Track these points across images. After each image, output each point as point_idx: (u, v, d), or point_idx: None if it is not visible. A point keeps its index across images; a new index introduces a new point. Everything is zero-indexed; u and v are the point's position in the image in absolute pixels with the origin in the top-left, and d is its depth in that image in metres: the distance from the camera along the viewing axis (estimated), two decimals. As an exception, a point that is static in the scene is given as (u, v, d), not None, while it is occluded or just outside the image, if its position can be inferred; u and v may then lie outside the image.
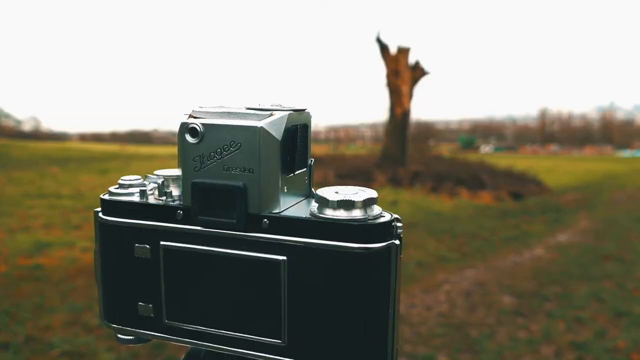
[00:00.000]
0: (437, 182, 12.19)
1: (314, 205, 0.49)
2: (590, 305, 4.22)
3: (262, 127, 0.47)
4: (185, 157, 0.51)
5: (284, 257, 0.49)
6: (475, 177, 12.72)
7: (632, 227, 8.79)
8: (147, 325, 0.55)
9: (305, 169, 0.55)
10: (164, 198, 0.55)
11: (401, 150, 13.78)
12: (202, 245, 0.51)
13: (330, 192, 0.49)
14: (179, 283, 0.53)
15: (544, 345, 3.44)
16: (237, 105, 0.53)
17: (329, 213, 0.48)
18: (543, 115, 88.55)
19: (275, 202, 0.50)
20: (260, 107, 0.51)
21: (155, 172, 0.59)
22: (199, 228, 0.51)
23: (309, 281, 0.48)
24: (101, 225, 0.57)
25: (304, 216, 0.49)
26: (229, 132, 0.48)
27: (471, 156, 21.62)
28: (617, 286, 4.77)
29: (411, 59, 14.01)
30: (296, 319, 0.50)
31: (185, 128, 0.50)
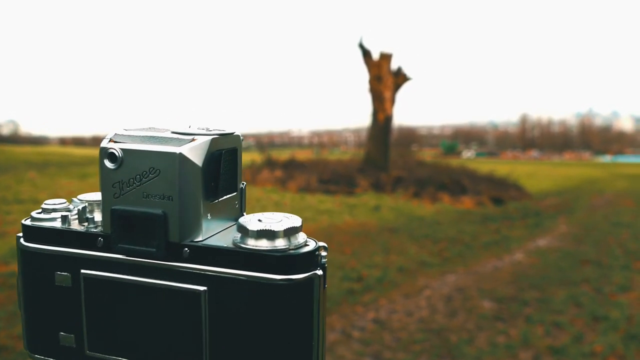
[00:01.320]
0: (419, 187, 12.26)
1: (237, 234, 0.48)
2: (568, 309, 4.26)
3: (180, 153, 0.46)
4: (104, 183, 0.49)
5: (205, 288, 0.47)
6: (456, 182, 12.83)
7: (610, 231, 8.94)
8: (69, 356, 0.53)
9: (235, 193, 0.54)
10: (85, 224, 0.53)
11: (384, 155, 13.85)
12: (123, 274, 0.50)
13: (253, 221, 0.48)
14: (100, 313, 0.51)
15: (523, 350, 3.46)
16: (167, 127, 0.52)
17: (251, 243, 0.47)
18: (523, 121, 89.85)
19: (197, 230, 0.48)
20: (186, 131, 0.50)
21: (79, 197, 0.57)
22: (119, 256, 0.50)
23: (230, 312, 0.47)
24: (22, 251, 0.55)
25: (225, 245, 0.48)
26: (148, 158, 0.47)
27: (453, 161, 21.82)
28: (594, 290, 4.83)
29: (394, 65, 14.14)
30: (217, 351, 0.48)
31: (104, 153, 0.49)
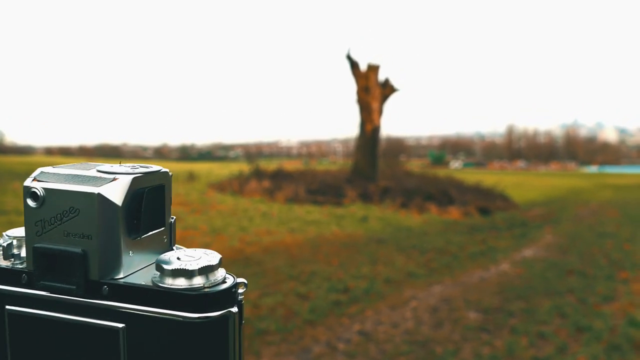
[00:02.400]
0: (407, 198, 12.31)
1: (157, 273, 0.50)
2: (552, 320, 4.29)
3: (99, 193, 0.47)
4: (28, 220, 0.50)
5: (123, 325, 0.48)
6: (444, 193, 12.90)
7: (595, 241, 9.03)
8: None
9: (162, 229, 0.55)
10: (11, 260, 0.54)
11: (371, 166, 13.90)
12: (45, 310, 0.50)
13: (172, 259, 0.49)
14: (25, 349, 0.52)
15: (508, 361, 3.47)
16: (95, 165, 0.53)
17: (168, 281, 0.48)
18: (510, 132, 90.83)
19: (118, 267, 0.50)
20: (111, 170, 0.51)
21: (7, 233, 0.58)
22: (42, 293, 0.51)
23: (148, 349, 0.48)
24: None
25: (144, 283, 0.49)
26: (68, 198, 0.48)
27: (441, 172, 21.97)
28: (579, 301, 4.87)
29: (381, 76, 14.26)
30: None
31: (27, 192, 0.50)
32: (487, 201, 13.90)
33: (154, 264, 0.53)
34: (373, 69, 13.90)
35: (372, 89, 13.81)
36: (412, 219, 10.69)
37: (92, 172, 0.50)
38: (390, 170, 16.41)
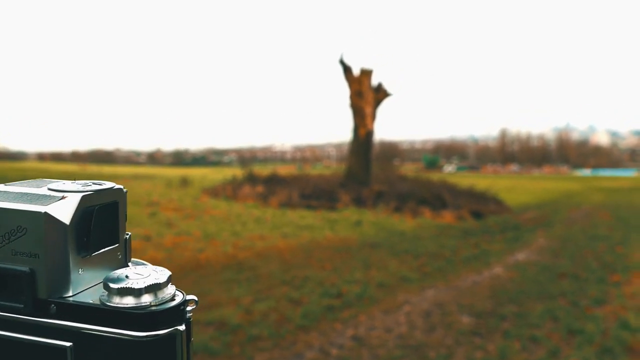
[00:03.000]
0: (401, 202, 12.34)
1: (105, 291, 0.50)
2: (545, 323, 4.30)
3: (46, 212, 0.47)
4: None
5: (70, 344, 0.48)
6: (437, 197, 12.94)
7: (587, 244, 9.08)
8: None
9: (116, 245, 0.56)
10: None
11: (365, 170, 13.93)
12: None
13: (119, 276, 0.50)
14: None
15: (500, 365, 3.48)
16: (47, 182, 0.53)
17: (115, 300, 0.49)
18: (503, 135, 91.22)
19: (66, 286, 0.50)
20: (62, 187, 0.51)
21: None
22: None
23: None
24: None
25: (92, 302, 0.49)
26: (15, 216, 0.48)
27: (434, 175, 22.04)
28: (571, 304, 4.89)
29: (374, 81, 14.30)
30: None
31: None
32: (481, 205, 13.95)
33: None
34: (366, 73, 13.95)
35: (365, 94, 13.86)
36: (405, 223, 10.71)
37: (43, 190, 0.50)
38: (383, 175, 16.44)
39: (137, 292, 0.47)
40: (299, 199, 11.80)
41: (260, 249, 6.93)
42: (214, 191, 13.35)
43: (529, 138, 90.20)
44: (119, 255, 0.56)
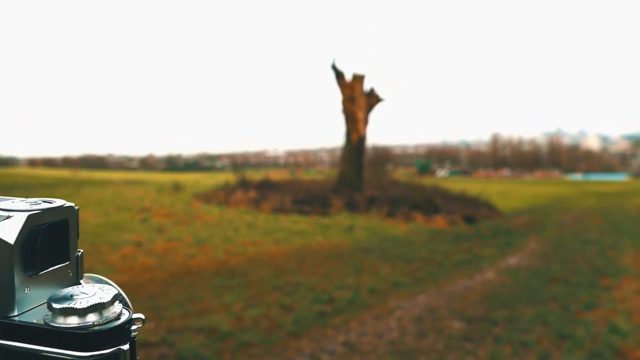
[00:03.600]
0: (393, 207, 12.35)
1: (49, 311, 0.50)
2: (535, 328, 4.31)
3: None
4: None
5: None
6: (430, 202, 12.97)
7: (578, 249, 9.13)
8: None
9: (67, 263, 0.56)
10: None
11: (357, 175, 13.94)
12: None
13: (65, 295, 0.50)
14: None
15: (491, 371, 3.48)
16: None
17: (59, 320, 0.49)
18: (495, 140, 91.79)
19: (11, 306, 0.49)
20: (8, 207, 0.51)
21: None
22: None
23: None
24: None
25: (36, 322, 0.49)
26: None
27: (427, 180, 22.11)
28: (561, 308, 4.90)
29: (366, 86, 14.35)
30: None
31: None
32: (473, 210, 14.00)
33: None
34: (358, 79, 13.99)
35: (357, 99, 13.89)
36: (398, 228, 10.72)
37: None
38: (376, 180, 16.46)
39: (81, 312, 0.47)
40: (291, 204, 11.78)
41: (252, 254, 6.91)
42: (206, 196, 13.31)
43: (520, 143, 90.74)
44: (69, 273, 0.56)
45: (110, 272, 5.44)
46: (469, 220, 12.67)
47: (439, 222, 11.85)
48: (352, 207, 12.39)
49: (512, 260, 7.94)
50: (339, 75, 14.09)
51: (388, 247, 8.38)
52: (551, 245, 9.69)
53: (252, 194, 12.48)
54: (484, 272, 6.92)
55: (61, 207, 0.55)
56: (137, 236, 7.46)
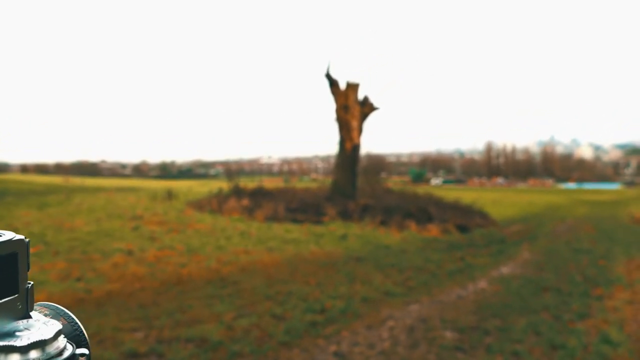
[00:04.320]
0: (387, 216, 12.35)
1: None
2: (527, 338, 4.30)
3: None
4: None
5: None
6: (423, 210, 12.98)
7: (571, 257, 9.14)
8: None
9: (16, 296, 0.56)
10: None
11: (351, 184, 13.94)
12: None
13: (8, 331, 0.50)
14: None
15: (483, 381, 3.46)
16: None
17: (1, 358, 0.49)
18: (489, 149, 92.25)
19: None
20: None
21: None
22: None
23: None
24: None
25: None
26: None
27: (421, 189, 22.15)
28: (554, 318, 4.89)
29: (360, 95, 14.38)
30: None
31: None
32: (466, 218, 14.01)
33: (6, 328, 0.53)
34: (352, 87, 14.01)
35: (351, 108, 13.90)
36: (391, 236, 10.70)
37: None
38: (370, 188, 16.46)
39: (22, 350, 0.47)
40: (285, 213, 11.75)
41: (244, 263, 6.86)
42: (199, 204, 13.25)
43: (514, 151, 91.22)
44: (18, 306, 0.56)
45: (101, 280, 5.38)
46: (463, 228, 12.68)
47: (433, 230, 11.85)
48: (345, 215, 12.37)
49: (505, 269, 7.94)
50: (333, 84, 14.12)
51: (381, 256, 8.36)
52: (544, 254, 9.70)
53: (245, 202, 12.43)
54: (476, 281, 6.91)
55: (10, 240, 0.55)
56: (128, 244, 7.40)
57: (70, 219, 9.54)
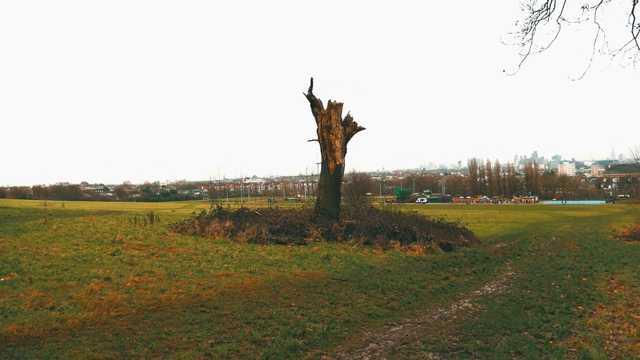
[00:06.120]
0: (371, 236, 12.29)
1: None
2: (509, 358, 4.26)
3: None
4: None
5: None
6: (407, 230, 12.95)
7: (554, 275, 9.16)
8: None
9: None
10: None
11: (335, 204, 13.88)
12: None
13: None
14: None
15: (464, 405, 3.40)
16: None
17: None
18: (473, 166, 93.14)
19: None
20: None
21: None
22: None
23: None
24: None
25: None
26: None
27: (406, 207, 22.18)
28: (535, 337, 4.87)
29: (344, 115, 14.42)
30: None
31: None
32: (450, 237, 14.01)
33: None
34: (334, 107, 14.06)
35: (334, 128, 13.94)
36: (375, 256, 10.65)
37: None
38: (354, 208, 16.42)
39: None
40: (268, 234, 11.64)
41: (225, 287, 6.75)
42: (182, 227, 13.08)
43: (498, 169, 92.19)
44: None
45: (76, 309, 5.23)
46: (447, 247, 12.67)
47: (417, 250, 11.82)
48: (329, 236, 12.30)
49: (489, 288, 7.92)
50: (315, 104, 14.16)
51: (364, 277, 8.29)
52: (527, 272, 9.71)
53: (228, 224, 12.31)
54: (460, 300, 6.87)
55: None
56: (106, 270, 7.24)
57: (47, 245, 9.32)
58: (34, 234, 10.66)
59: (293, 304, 6.09)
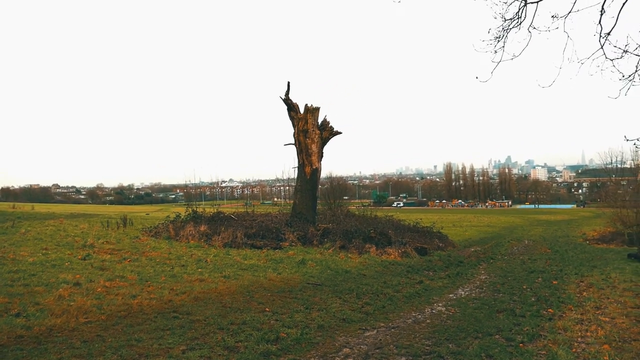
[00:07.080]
0: (347, 240, 12.31)
1: None
2: (481, 362, 4.30)
3: None
4: None
5: None
6: (383, 234, 13.01)
7: (526, 278, 9.31)
8: None
9: None
10: None
11: (311, 208, 13.85)
12: None
13: None
14: None
15: (435, 409, 3.42)
16: None
17: None
18: (448, 171, 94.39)
19: None
20: None
21: None
22: None
23: None
24: None
25: None
26: None
27: (383, 211, 22.29)
28: (506, 340, 4.93)
29: (320, 118, 14.43)
30: None
31: None
32: (425, 241, 14.13)
33: None
34: (311, 111, 14.06)
35: (310, 132, 13.93)
36: (351, 261, 10.66)
37: None
38: (330, 212, 16.44)
39: None
40: (243, 239, 11.56)
41: (198, 292, 6.66)
42: (156, 231, 12.88)
43: (473, 173, 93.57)
44: None
45: (42, 315, 5.09)
46: (422, 251, 12.77)
47: (392, 254, 11.88)
48: (305, 240, 12.27)
49: (462, 292, 8.00)
50: (291, 108, 14.14)
51: (339, 281, 8.29)
52: (500, 275, 9.86)
53: (203, 227, 12.17)
54: (433, 304, 6.93)
55: None
56: (76, 275, 7.07)
57: (15, 249, 9.06)
58: (1, 238, 10.37)
59: (267, 309, 6.05)
